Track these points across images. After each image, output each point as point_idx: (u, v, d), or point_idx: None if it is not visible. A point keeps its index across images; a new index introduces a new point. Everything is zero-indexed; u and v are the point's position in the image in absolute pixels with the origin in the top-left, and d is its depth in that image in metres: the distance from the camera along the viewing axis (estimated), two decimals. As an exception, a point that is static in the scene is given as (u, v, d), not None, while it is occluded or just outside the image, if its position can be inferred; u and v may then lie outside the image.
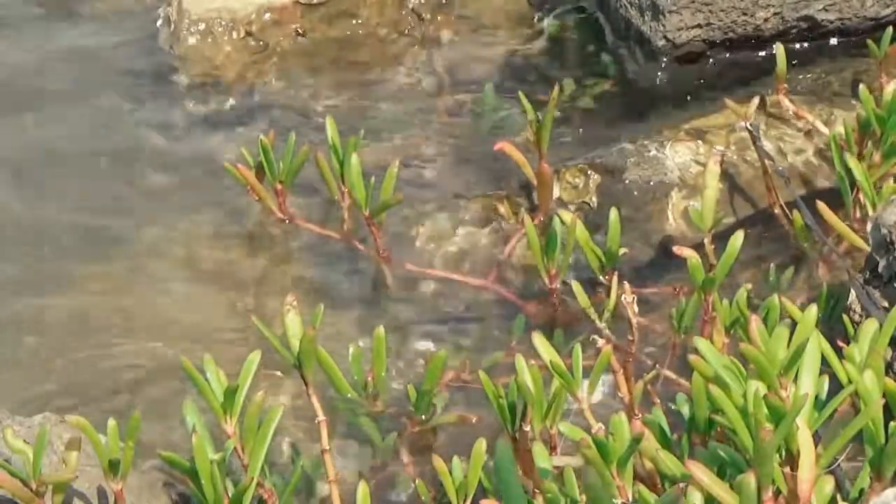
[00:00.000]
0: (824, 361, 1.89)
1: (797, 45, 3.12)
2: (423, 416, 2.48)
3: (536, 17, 3.51)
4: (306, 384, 2.26)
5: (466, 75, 3.40)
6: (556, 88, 2.89)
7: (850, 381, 1.86)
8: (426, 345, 2.72)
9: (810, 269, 2.73)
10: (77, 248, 3.00)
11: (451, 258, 2.91)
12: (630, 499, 1.90)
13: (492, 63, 3.42)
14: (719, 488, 1.76)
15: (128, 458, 2.15)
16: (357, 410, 2.48)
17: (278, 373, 2.62)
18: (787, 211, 2.80)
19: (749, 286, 2.37)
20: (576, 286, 2.48)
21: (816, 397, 1.85)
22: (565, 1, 3.50)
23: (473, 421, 2.45)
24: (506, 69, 3.40)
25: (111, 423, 2.16)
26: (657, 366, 2.44)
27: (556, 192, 2.92)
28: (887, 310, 2.24)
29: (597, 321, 2.44)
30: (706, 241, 2.59)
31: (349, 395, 2.43)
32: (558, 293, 2.68)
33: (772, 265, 2.69)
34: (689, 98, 3.15)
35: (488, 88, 3.27)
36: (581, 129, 3.19)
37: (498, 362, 2.59)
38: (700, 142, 2.93)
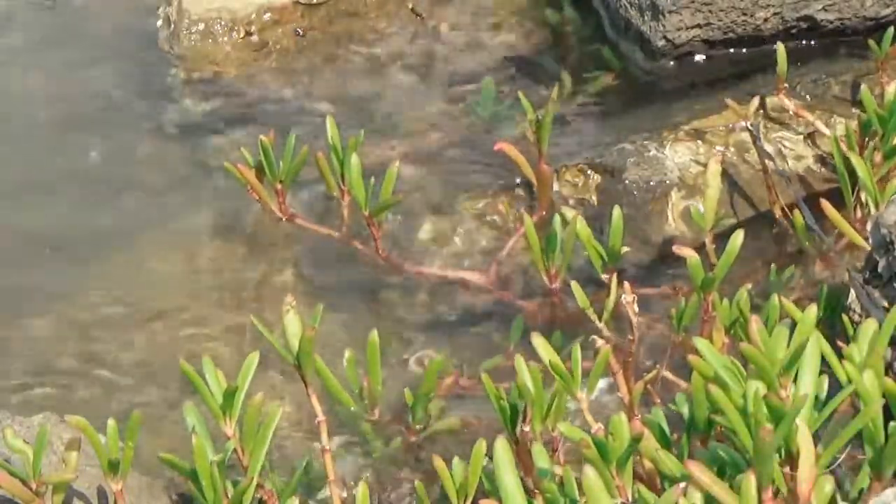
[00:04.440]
0: (824, 361, 1.89)
1: (797, 47, 3.11)
2: (420, 424, 2.48)
3: (537, 12, 3.50)
4: (306, 384, 2.26)
5: (466, 72, 3.40)
6: (556, 88, 2.88)
7: (850, 381, 1.86)
8: (424, 348, 2.72)
9: (810, 268, 2.73)
10: (75, 248, 3.00)
11: (450, 258, 2.90)
12: (630, 499, 1.90)
13: (492, 59, 3.42)
14: (719, 488, 1.76)
15: (128, 458, 2.15)
16: (355, 419, 2.48)
17: (277, 374, 2.62)
18: (787, 211, 2.80)
19: (749, 286, 2.37)
20: (575, 286, 2.47)
21: (816, 397, 1.85)
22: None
23: (475, 423, 2.45)
24: (506, 65, 3.40)
25: (111, 423, 2.16)
26: (657, 365, 2.44)
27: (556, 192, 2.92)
28: (887, 310, 2.24)
29: (596, 321, 2.44)
30: (707, 241, 2.59)
31: (348, 406, 2.43)
32: (558, 293, 2.68)
33: (772, 265, 2.69)
34: (688, 98, 3.15)
35: (487, 84, 3.26)
36: (581, 129, 3.19)
37: (496, 366, 2.59)
38: (700, 142, 2.93)
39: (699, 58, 3.17)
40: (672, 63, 3.16)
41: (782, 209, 2.81)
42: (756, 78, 3.12)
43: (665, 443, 2.05)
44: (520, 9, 3.52)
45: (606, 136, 3.09)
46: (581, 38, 3.40)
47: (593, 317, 2.45)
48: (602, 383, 2.48)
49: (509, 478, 1.87)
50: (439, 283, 2.85)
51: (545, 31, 3.45)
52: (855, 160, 2.61)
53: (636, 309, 2.38)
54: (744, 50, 3.15)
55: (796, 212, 2.73)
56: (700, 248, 2.49)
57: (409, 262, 2.86)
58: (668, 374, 2.43)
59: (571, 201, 2.90)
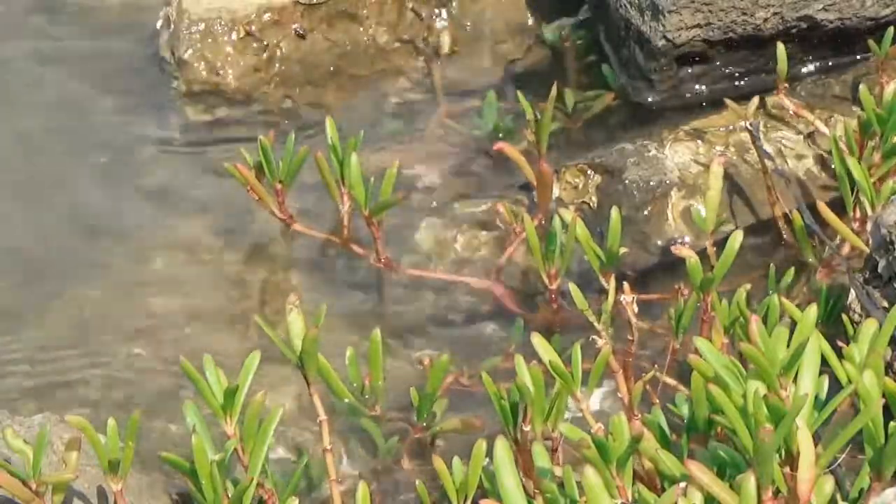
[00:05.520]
0: (824, 361, 1.89)
1: (797, 47, 3.11)
2: (425, 423, 2.48)
3: (536, 27, 3.50)
4: (308, 384, 2.26)
5: (466, 82, 3.40)
6: (554, 88, 2.89)
7: (850, 381, 1.86)
8: (425, 348, 2.72)
9: (810, 268, 2.73)
10: (78, 253, 3.01)
11: (451, 261, 2.91)
12: (630, 499, 1.90)
13: (492, 74, 3.42)
14: (719, 488, 1.76)
15: (128, 458, 2.15)
16: (357, 414, 2.48)
17: (279, 372, 2.62)
18: (786, 211, 2.80)
19: (748, 286, 2.37)
20: (573, 288, 2.47)
21: (816, 397, 1.85)
22: (565, 8, 3.48)
23: (478, 424, 2.45)
24: (505, 77, 3.40)
25: (111, 422, 2.16)
26: (655, 366, 2.44)
27: (556, 193, 2.92)
28: (887, 310, 2.24)
29: (595, 323, 2.44)
30: (708, 243, 2.59)
31: (348, 401, 2.44)
32: (558, 295, 2.68)
33: (771, 265, 2.69)
34: (687, 98, 3.15)
35: (490, 97, 3.25)
36: (580, 132, 3.19)
37: (496, 366, 2.59)
38: (700, 142, 2.93)
39: (698, 57, 3.16)
40: (671, 62, 3.16)
41: (784, 213, 2.81)
42: (756, 78, 3.12)
43: (665, 443, 2.05)
44: (520, 23, 3.51)
45: (606, 139, 3.09)
46: (580, 54, 3.39)
47: (592, 318, 2.45)
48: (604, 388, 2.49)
49: (509, 478, 1.87)
50: (440, 284, 2.85)
51: (545, 47, 3.45)
52: (851, 163, 2.61)
53: (635, 309, 2.38)
54: (744, 50, 3.15)
55: (795, 214, 2.73)
56: (701, 251, 2.48)
57: (410, 265, 2.86)
58: (668, 379, 2.43)
59: (571, 204, 2.90)
